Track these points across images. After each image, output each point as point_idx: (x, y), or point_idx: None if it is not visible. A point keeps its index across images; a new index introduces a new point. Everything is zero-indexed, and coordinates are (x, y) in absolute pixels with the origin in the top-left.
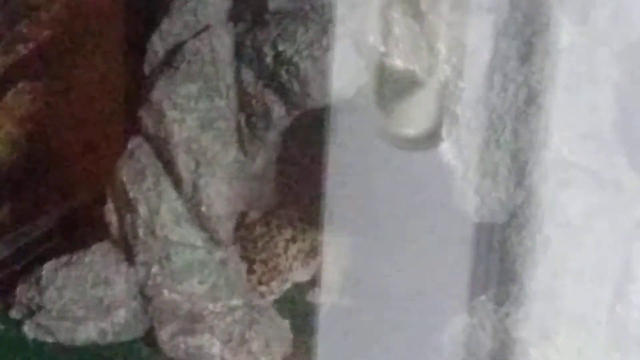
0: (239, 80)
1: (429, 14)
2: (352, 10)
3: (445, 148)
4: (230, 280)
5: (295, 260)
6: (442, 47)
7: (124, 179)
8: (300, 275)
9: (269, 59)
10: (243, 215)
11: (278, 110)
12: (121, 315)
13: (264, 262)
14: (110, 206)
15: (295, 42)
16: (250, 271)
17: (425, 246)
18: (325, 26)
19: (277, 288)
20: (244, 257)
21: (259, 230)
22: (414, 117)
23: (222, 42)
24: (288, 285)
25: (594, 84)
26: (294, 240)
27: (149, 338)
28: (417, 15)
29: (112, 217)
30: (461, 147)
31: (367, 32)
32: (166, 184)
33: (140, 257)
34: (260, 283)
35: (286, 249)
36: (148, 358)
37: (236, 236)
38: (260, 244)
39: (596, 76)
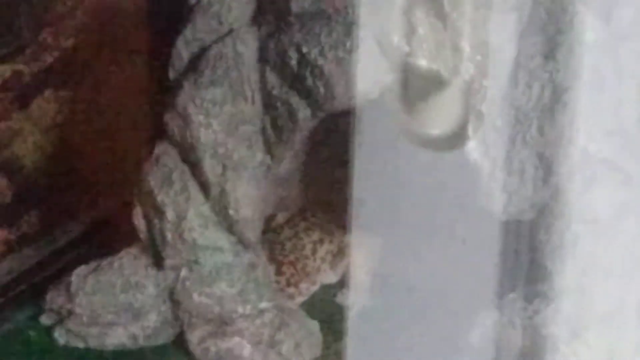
0: (263, 83)
1: (453, 13)
2: (375, 11)
3: (472, 147)
4: (259, 283)
5: (323, 262)
6: (466, 45)
7: (152, 183)
8: (329, 276)
9: (293, 62)
10: (270, 217)
11: (303, 112)
12: (151, 319)
13: (292, 264)
14: (138, 211)
15: (319, 44)
16: (279, 273)
17: (454, 245)
18: (348, 27)
19: (306, 290)
20: (272, 260)
21: (286, 232)
22: (440, 116)
23: (246, 45)
24: (317, 287)
25: (619, 80)
26: (321, 242)
27: (180, 342)
28: (440, 14)
29: (140, 222)
30: (487, 146)
31: (391, 32)
32: (193, 188)
33: (168, 262)
34: (288, 285)
35: (314, 251)
36: None
37: (264, 239)
38: (288, 246)
39: (621, 73)
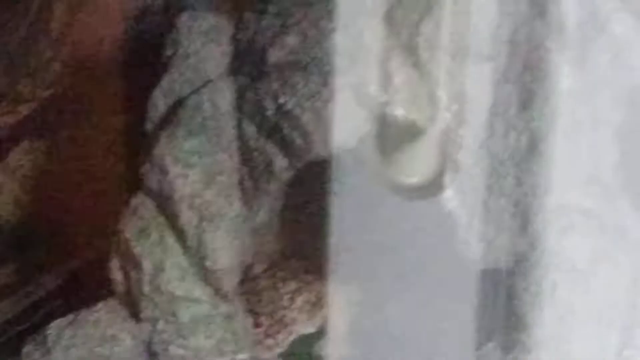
0: (240, 133)
1: (429, 63)
2: (351, 61)
3: (448, 196)
4: (237, 334)
5: (301, 312)
6: (442, 95)
7: (128, 235)
8: (307, 326)
9: (270, 112)
10: (248, 268)
11: (280, 162)
12: None
13: (270, 314)
14: (115, 263)
15: (296, 94)
16: (257, 324)
17: (431, 295)
18: (325, 77)
19: (284, 340)
20: (250, 311)
21: (263, 282)
22: (416, 165)
23: (223, 96)
24: (294, 337)
25: (595, 128)
26: (299, 291)
27: None
28: (416, 64)
29: (117, 274)
30: (464, 195)
31: (368, 82)
32: (170, 239)
33: (145, 313)
34: (266, 336)
35: (292, 301)
36: None
37: (241, 289)
38: (265, 297)
39: (597, 120)
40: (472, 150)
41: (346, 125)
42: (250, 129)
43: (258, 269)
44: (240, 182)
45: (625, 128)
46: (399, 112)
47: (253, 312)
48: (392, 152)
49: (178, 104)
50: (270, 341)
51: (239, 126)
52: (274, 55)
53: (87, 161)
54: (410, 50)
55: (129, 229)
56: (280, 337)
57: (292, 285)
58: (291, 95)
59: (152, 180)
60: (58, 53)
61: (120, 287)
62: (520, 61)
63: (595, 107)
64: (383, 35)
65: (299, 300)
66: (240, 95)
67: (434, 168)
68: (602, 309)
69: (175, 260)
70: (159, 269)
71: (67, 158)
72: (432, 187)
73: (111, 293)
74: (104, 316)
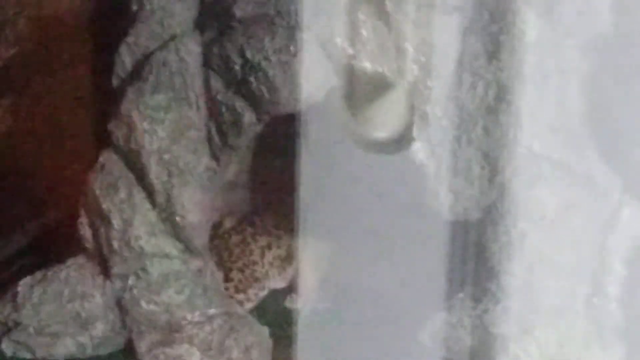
0: (208, 88)
1: (395, 15)
2: (318, 15)
3: (417, 148)
4: (207, 290)
5: (271, 267)
6: (409, 47)
7: (97, 192)
8: (278, 281)
9: (237, 66)
10: (218, 223)
11: (248, 117)
12: (99, 328)
13: (241, 270)
14: (83, 220)
15: (263, 48)
16: (227, 279)
17: (401, 246)
18: (292, 31)
19: (255, 295)
20: (220, 266)
21: (234, 238)
22: (385, 119)
23: (190, 51)
24: (265, 292)
25: (562, 77)
26: (269, 247)
27: (128, 350)
28: (383, 16)
29: (86, 231)
30: (433, 146)
31: (334, 35)
32: (139, 196)
33: (115, 270)
34: (237, 291)
35: (262, 256)
36: None
37: (212, 245)
38: (236, 252)
39: (564, 69)
40: (440, 102)
41: (314, 79)
42: (217, 84)
43: (228, 224)
44: (209, 138)
45: (592, 77)
46: (366, 64)
47: (224, 268)
48: (360, 106)
49: (144, 60)
50: (241, 296)
51: (206, 81)
52: (240, 10)
53: (55, 118)
54: (377, 2)
55: (97, 185)
56: (251, 292)
57: (263, 240)
58: (258, 49)
59: (120, 136)
60: (23, 9)
61: (89, 244)
62: (486, 12)
63: (562, 57)
64: None
65: (270, 256)
66: (207, 50)
67: (402, 120)
68: (571, 257)
69: (144, 216)
70: (128, 224)
71: (34, 115)
72: (401, 139)
73: (81, 250)
74: (73, 273)
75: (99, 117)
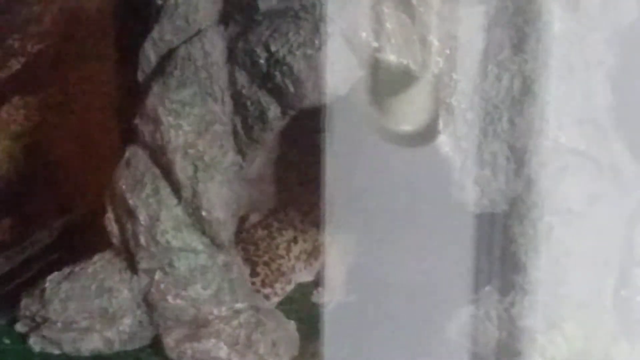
0: (233, 82)
1: (420, 7)
2: (343, 7)
3: (443, 140)
4: (234, 284)
5: (298, 261)
6: (434, 39)
7: (123, 187)
8: (304, 275)
9: (262, 61)
10: (244, 218)
11: (273, 111)
12: (126, 323)
13: (267, 264)
14: (110, 215)
15: (288, 42)
16: (254, 274)
17: (428, 240)
18: (316, 24)
19: (281, 289)
20: (247, 260)
21: (260, 232)
22: (410, 112)
23: (214, 45)
24: (292, 286)
25: (588, 69)
26: (295, 241)
27: (156, 345)
28: (408, 9)
29: (112, 226)
30: (459, 139)
31: (359, 28)
32: (165, 191)
33: (142, 265)
34: (264, 285)
35: (288, 250)
36: None
37: (238, 239)
38: (262, 246)
39: (589, 62)
40: (465, 94)
41: (338, 72)
42: (242, 78)
43: (254, 218)
44: (234, 132)
45: (618, 69)
46: (391, 57)
47: (250, 262)
48: (385, 99)
49: (169, 55)
50: (267, 290)
51: (231, 76)
52: (265, 3)
53: (80, 114)
54: None
55: (123, 181)
56: (277, 286)
57: (289, 234)
58: (283, 43)
59: (146, 131)
60: (48, 6)
61: (116, 239)
62: (511, 4)
63: (588, 48)
64: None
65: (296, 250)
66: (231, 45)
67: (427, 113)
68: (598, 250)
69: (170, 211)
70: (154, 220)
71: (59, 112)
72: (427, 132)
73: (107, 245)
74: (100, 268)
75: (125, 112)
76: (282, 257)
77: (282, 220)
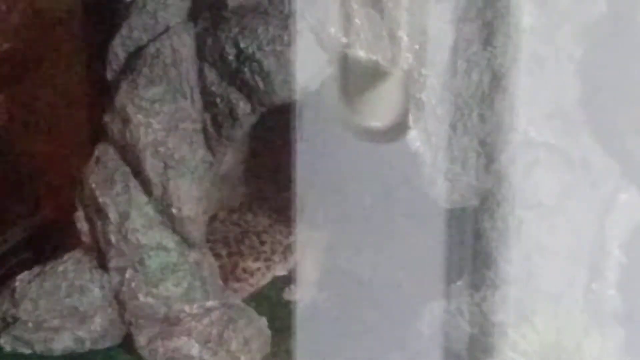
0: (202, 80)
1: (389, 3)
2: (312, 3)
3: (413, 136)
4: (205, 281)
5: (271, 256)
6: (403, 35)
7: (93, 185)
8: (277, 270)
9: (231, 57)
10: (215, 215)
11: (243, 108)
12: (97, 322)
13: (238, 260)
14: (80, 214)
15: (257, 38)
16: (225, 271)
17: (399, 235)
18: (285, 21)
19: (253, 285)
20: (218, 257)
21: (231, 229)
22: (380, 108)
23: (183, 42)
24: (264, 281)
25: (557, 63)
26: (266, 237)
27: (127, 344)
28: (377, 4)
29: (83, 225)
30: (429, 134)
31: (328, 24)
32: (135, 189)
33: (113, 263)
34: (235, 281)
35: (260, 246)
36: None
37: (209, 237)
38: (233, 243)
39: (559, 56)
40: (435, 90)
41: (308, 68)
42: (212, 75)
43: (225, 215)
44: (204, 129)
45: (587, 63)
46: (360, 53)
47: (221, 259)
48: (355, 95)
49: (138, 52)
50: (239, 285)
51: (200, 73)
52: (234, 0)
53: (49, 112)
54: None
55: (93, 179)
56: (250, 281)
57: (259, 230)
58: (252, 40)
59: (115, 129)
60: (16, 4)
61: (86, 238)
62: None
63: (557, 42)
64: None
65: (267, 246)
66: (200, 42)
67: (397, 109)
68: (569, 244)
69: (141, 209)
70: (124, 218)
71: (29, 110)
72: (397, 128)
73: (78, 244)
74: (70, 267)
75: (94, 110)
76: (253, 252)
77: (253, 217)
